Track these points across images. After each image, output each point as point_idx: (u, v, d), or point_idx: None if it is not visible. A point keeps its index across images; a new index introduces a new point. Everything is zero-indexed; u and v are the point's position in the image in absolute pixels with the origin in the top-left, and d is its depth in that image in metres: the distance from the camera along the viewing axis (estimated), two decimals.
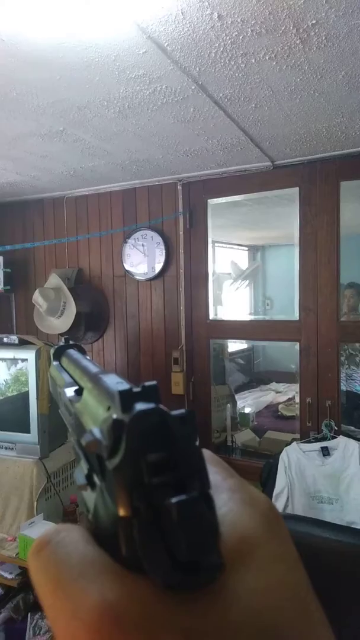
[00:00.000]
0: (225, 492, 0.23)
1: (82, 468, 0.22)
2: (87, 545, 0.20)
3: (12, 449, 2.39)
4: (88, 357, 0.34)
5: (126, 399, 0.20)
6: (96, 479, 0.21)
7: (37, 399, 2.27)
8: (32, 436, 2.32)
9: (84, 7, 1.14)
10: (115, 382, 0.22)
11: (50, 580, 0.19)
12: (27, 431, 2.36)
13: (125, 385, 0.21)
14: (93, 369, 0.29)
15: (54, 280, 2.91)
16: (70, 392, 0.30)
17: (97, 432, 0.20)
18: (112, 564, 0.19)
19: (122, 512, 0.18)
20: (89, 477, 0.21)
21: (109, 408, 0.21)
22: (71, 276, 3.04)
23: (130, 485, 0.18)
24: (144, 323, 2.93)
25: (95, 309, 3.00)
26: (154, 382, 0.21)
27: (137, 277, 2.90)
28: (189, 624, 0.17)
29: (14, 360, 2.56)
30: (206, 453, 0.25)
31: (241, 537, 0.20)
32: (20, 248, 2.95)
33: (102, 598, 0.17)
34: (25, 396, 2.44)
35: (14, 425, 2.42)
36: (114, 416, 0.20)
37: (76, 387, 0.30)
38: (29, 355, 2.34)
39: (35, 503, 2.15)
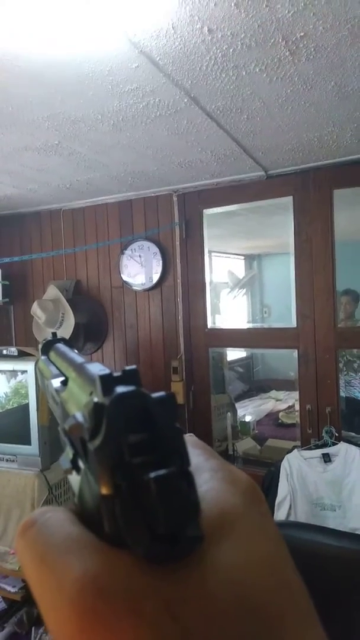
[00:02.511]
0: (207, 471, 0.23)
1: (68, 453, 0.23)
2: (72, 525, 0.21)
3: (14, 461, 2.39)
4: (75, 351, 0.35)
5: (107, 382, 0.20)
6: (80, 463, 0.21)
7: (37, 410, 2.27)
8: (33, 448, 2.31)
9: (77, 23, 1.17)
10: (99, 370, 0.23)
11: (35, 557, 0.20)
12: (28, 443, 2.35)
13: (106, 370, 0.22)
14: (78, 359, 0.30)
15: (52, 291, 2.92)
16: (56, 382, 0.31)
17: (79, 416, 0.21)
18: (96, 541, 0.19)
19: (104, 491, 0.19)
20: (73, 462, 0.22)
21: (91, 393, 0.22)
22: (69, 288, 3.05)
23: (112, 464, 0.19)
24: (143, 333, 2.94)
25: (94, 319, 3.01)
26: (133, 367, 0.22)
27: (135, 288, 2.91)
28: (169, 593, 0.17)
29: (14, 372, 2.56)
30: (190, 438, 0.26)
31: (221, 512, 0.21)
32: (18, 260, 2.97)
33: (85, 571, 0.18)
34: (25, 408, 2.44)
35: (15, 437, 2.42)
36: (95, 399, 0.20)
37: (62, 378, 0.31)
38: (29, 366, 2.34)
39: None
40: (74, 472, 0.22)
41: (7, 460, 2.36)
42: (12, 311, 3.33)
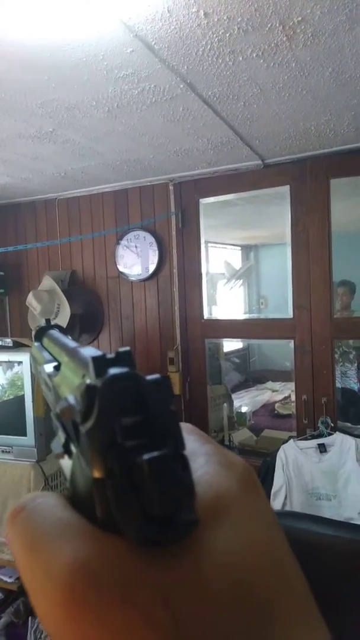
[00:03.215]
0: (202, 456, 0.23)
1: (60, 438, 0.22)
2: (63, 510, 0.20)
3: (9, 452, 2.38)
4: (69, 337, 0.34)
5: (99, 364, 0.20)
6: (72, 447, 0.21)
7: (33, 401, 2.27)
8: (29, 439, 2.31)
9: (71, 6, 1.14)
10: (92, 352, 0.22)
11: (25, 543, 0.19)
12: (24, 434, 2.35)
13: (99, 352, 0.21)
14: (71, 344, 0.30)
15: (47, 282, 2.90)
16: (49, 368, 0.31)
17: (71, 398, 0.21)
18: (88, 526, 0.19)
19: (96, 474, 0.18)
20: (65, 446, 0.22)
21: (83, 376, 0.22)
22: (65, 278, 3.03)
23: (104, 447, 0.18)
24: (139, 324, 2.92)
25: (90, 310, 2.99)
26: (127, 348, 0.21)
27: (131, 278, 2.90)
28: (162, 579, 0.17)
29: (9, 364, 2.55)
30: (185, 425, 0.25)
31: (216, 496, 0.20)
32: (12, 250, 2.94)
33: (75, 557, 0.17)
34: (21, 399, 2.43)
35: (11, 428, 2.41)
36: (87, 381, 0.20)
37: (55, 363, 0.31)
38: (24, 357, 2.33)
39: None
40: (66, 457, 0.22)
41: (2, 452, 2.35)
42: (7, 302, 3.31)
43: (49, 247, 3.11)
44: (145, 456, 0.18)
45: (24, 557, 0.19)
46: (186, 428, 0.25)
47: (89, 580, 0.17)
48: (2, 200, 3.17)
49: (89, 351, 0.23)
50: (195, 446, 0.24)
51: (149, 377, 0.20)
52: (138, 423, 0.19)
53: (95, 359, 0.20)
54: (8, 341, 2.62)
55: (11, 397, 2.54)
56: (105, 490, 0.18)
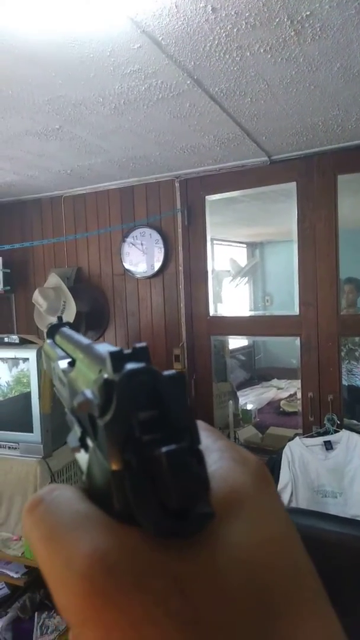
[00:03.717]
0: (216, 451, 0.23)
1: (76, 432, 0.23)
2: (80, 502, 0.20)
3: (16, 448, 2.40)
4: (81, 334, 0.34)
5: (117, 359, 0.20)
6: (89, 440, 0.21)
7: (39, 398, 2.27)
8: (35, 435, 2.32)
9: (78, 2, 1.14)
10: (108, 348, 0.23)
11: (44, 534, 0.20)
12: (30, 430, 2.36)
13: (116, 348, 0.21)
14: (85, 341, 0.30)
15: (53, 279, 2.91)
16: (63, 364, 0.31)
17: (88, 392, 0.21)
18: (105, 518, 0.19)
19: (114, 466, 0.19)
20: (81, 440, 0.22)
21: (100, 371, 0.22)
22: (70, 275, 3.04)
23: (122, 439, 0.19)
24: (145, 321, 2.93)
25: (96, 307, 3.00)
26: (144, 344, 0.21)
27: (137, 275, 2.90)
28: (178, 570, 0.18)
29: (15, 360, 2.56)
30: (198, 422, 0.26)
31: (231, 490, 0.21)
32: (19, 247, 2.95)
33: (93, 548, 0.18)
34: (27, 396, 2.44)
35: (17, 424, 2.42)
36: (105, 376, 0.20)
37: (69, 360, 0.31)
38: (30, 354, 2.34)
39: None
40: (82, 451, 0.22)
41: (9, 448, 2.36)
42: (13, 299, 3.32)
43: (55, 244, 3.11)
44: (164, 449, 0.18)
45: (43, 548, 0.19)
46: (199, 424, 0.25)
47: (108, 570, 0.17)
48: (8, 198, 3.17)
49: (105, 347, 0.23)
50: (209, 442, 0.24)
51: (166, 373, 0.21)
52: (155, 417, 0.19)
53: (112, 354, 0.20)
54: (14, 338, 2.63)
55: (17, 393, 2.56)
56: (122, 482, 0.18)
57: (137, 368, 0.20)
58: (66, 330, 0.37)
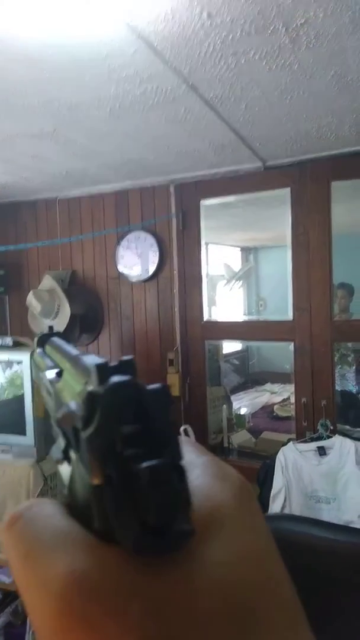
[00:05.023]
0: (198, 467, 0.23)
1: (59, 444, 0.22)
2: (60, 518, 0.20)
3: (8, 452, 2.38)
4: (72, 344, 0.34)
5: (102, 372, 0.20)
6: (72, 453, 0.21)
7: (33, 401, 2.26)
8: (28, 438, 2.31)
9: (74, 5, 1.14)
10: (94, 360, 0.22)
11: (21, 553, 0.19)
12: (23, 433, 2.34)
13: (102, 360, 0.21)
14: (73, 352, 0.30)
15: (47, 282, 2.90)
16: (51, 374, 0.31)
17: (73, 404, 0.21)
18: (84, 535, 0.19)
19: (94, 480, 0.18)
20: (65, 452, 0.22)
21: (85, 383, 0.22)
22: (65, 278, 3.03)
23: (103, 453, 0.19)
24: (139, 324, 2.92)
25: (90, 310, 2.99)
26: (130, 357, 0.21)
27: (131, 279, 2.89)
28: (157, 592, 0.17)
29: (9, 363, 2.54)
30: (183, 438, 0.26)
31: (212, 508, 0.21)
32: (13, 249, 2.94)
33: (70, 568, 0.18)
34: (20, 399, 2.43)
35: (10, 428, 2.41)
36: (89, 388, 0.20)
37: (57, 370, 0.31)
38: (24, 357, 2.33)
39: None
40: (65, 463, 0.22)
41: (2, 451, 2.35)
42: (7, 301, 3.31)
43: (50, 246, 3.11)
44: (145, 464, 0.18)
45: (20, 567, 0.19)
46: (184, 440, 0.25)
47: (84, 592, 0.17)
48: (2, 199, 3.17)
49: (92, 359, 0.23)
50: (192, 457, 0.24)
51: (150, 387, 0.21)
52: (138, 432, 0.19)
53: (98, 367, 0.20)
54: (8, 340, 2.62)
55: (10, 396, 2.54)
56: (102, 497, 0.18)
57: (122, 381, 0.20)
58: (56, 340, 0.37)
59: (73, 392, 0.24)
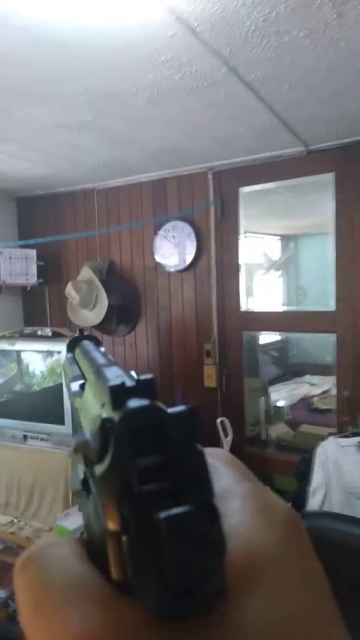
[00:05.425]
0: (238, 498, 0.20)
1: (78, 472, 0.20)
2: (76, 564, 0.18)
3: (48, 440, 2.43)
4: (102, 349, 0.32)
5: (117, 394, 0.18)
6: (92, 485, 0.18)
7: None
8: (67, 428, 2.35)
9: None
10: (115, 376, 0.20)
11: (31, 603, 0.17)
12: (62, 423, 2.39)
13: (119, 380, 0.19)
14: (100, 360, 0.27)
15: (86, 273, 2.92)
16: (75, 386, 0.28)
17: (87, 433, 0.18)
18: (101, 587, 0.17)
19: (110, 525, 0.16)
20: (84, 482, 0.19)
21: (103, 405, 0.19)
22: (103, 268, 3.04)
23: (118, 494, 0.16)
24: (176, 315, 2.90)
25: (127, 301, 3.00)
26: (149, 376, 0.19)
27: (168, 269, 2.87)
28: None
29: (49, 353, 2.59)
30: (220, 452, 0.22)
31: (251, 554, 0.17)
32: (52, 240, 2.97)
33: (82, 627, 0.16)
34: (59, 388, 2.47)
35: (49, 416, 2.46)
36: (103, 415, 0.18)
37: (81, 382, 0.28)
38: (62, 347, 2.36)
39: (70, 494, 2.18)
40: (84, 495, 0.19)
41: (41, 439, 2.40)
42: (46, 292, 3.36)
43: (88, 237, 3.12)
44: (163, 514, 0.15)
45: (29, 617, 0.17)
46: (221, 458, 0.22)
47: None
48: (41, 191, 3.20)
49: (113, 373, 0.21)
50: (230, 483, 0.21)
51: (173, 410, 0.18)
52: (159, 464, 0.16)
53: (112, 389, 0.18)
54: (47, 331, 2.66)
55: (51, 384, 2.59)
56: (120, 546, 0.16)
57: (139, 407, 0.17)
58: (86, 344, 0.35)
59: (90, 415, 0.21)
